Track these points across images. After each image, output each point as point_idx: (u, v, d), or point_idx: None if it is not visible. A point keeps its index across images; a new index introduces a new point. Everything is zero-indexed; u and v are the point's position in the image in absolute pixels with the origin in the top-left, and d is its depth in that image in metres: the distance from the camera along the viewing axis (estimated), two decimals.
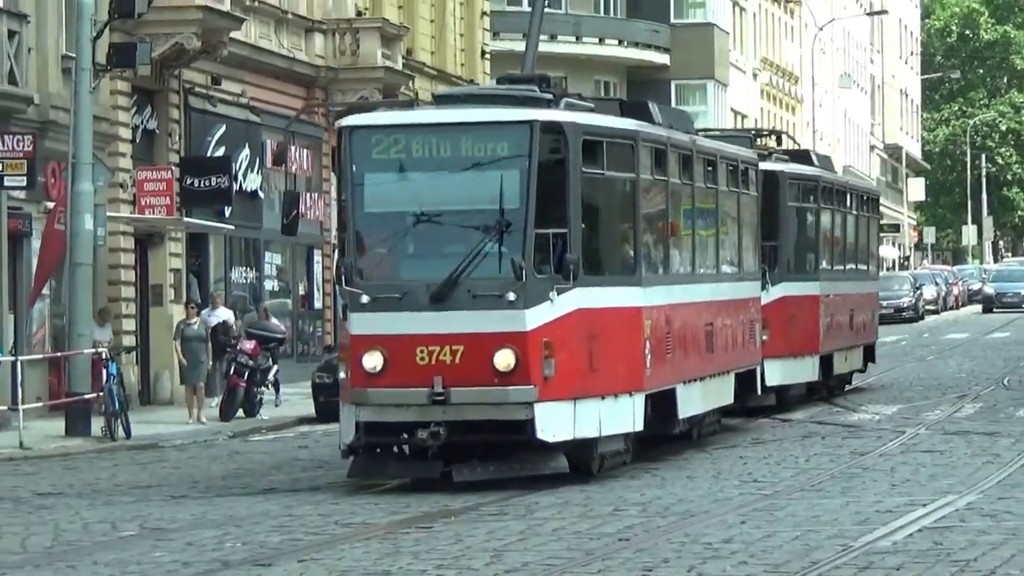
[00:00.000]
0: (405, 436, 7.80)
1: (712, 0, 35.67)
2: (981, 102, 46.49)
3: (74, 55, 14.21)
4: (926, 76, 44.59)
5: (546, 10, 15.39)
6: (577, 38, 32.94)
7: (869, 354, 16.66)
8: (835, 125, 37.46)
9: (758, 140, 15.28)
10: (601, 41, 33.61)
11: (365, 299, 7.65)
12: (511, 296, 7.46)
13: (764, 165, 12.96)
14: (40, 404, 14.28)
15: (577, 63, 31.44)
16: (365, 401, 7.67)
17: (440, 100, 10.47)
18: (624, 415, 8.45)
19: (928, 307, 32.55)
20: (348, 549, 5.48)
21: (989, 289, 33.13)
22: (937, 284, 35.47)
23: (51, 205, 15.23)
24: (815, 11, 38.38)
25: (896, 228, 40.65)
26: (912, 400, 15.02)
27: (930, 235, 45.90)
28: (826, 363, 14.19)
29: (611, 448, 8.51)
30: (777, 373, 12.87)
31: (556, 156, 7.90)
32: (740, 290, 11.64)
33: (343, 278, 7.79)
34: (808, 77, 34.49)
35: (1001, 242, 50.85)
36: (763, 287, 12.39)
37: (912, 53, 45.57)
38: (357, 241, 8.05)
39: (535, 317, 7.50)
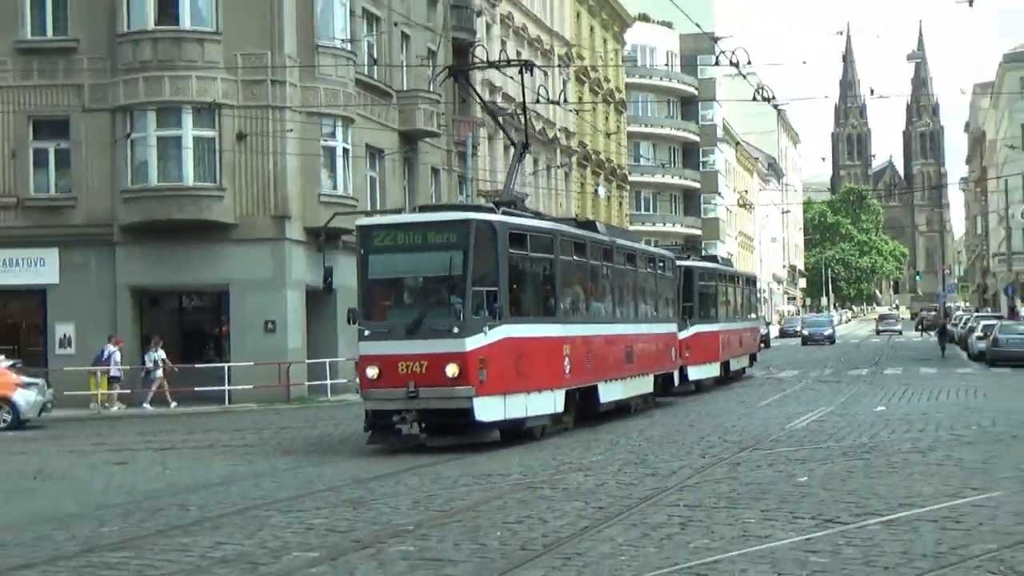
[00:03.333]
0: (394, 419, 11.48)
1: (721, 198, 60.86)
2: (829, 246, 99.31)
3: None
4: (808, 237, 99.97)
5: None
6: None
7: (752, 360, 27.16)
8: (771, 255, 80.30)
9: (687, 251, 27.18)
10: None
11: (366, 331, 11.46)
12: (455, 330, 10.92)
13: (682, 262, 20.42)
14: None
15: None
16: (369, 397, 11.53)
17: (422, 208, 14.73)
18: (547, 403, 12.41)
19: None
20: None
21: (805, 331, 50.37)
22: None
23: None
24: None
25: (794, 298, 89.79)
26: (798, 370, 28.35)
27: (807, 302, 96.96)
28: (725, 366, 22.94)
29: (538, 424, 12.37)
30: (695, 373, 20.43)
31: (491, 241, 11.33)
32: (658, 328, 17.34)
33: (356, 320, 11.63)
34: (758, 240, 75.86)
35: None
36: (683, 328, 19.24)
37: (799, 228, 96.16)
38: (364, 297, 11.89)
39: (471, 343, 10.94)
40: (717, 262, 25.40)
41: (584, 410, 13.85)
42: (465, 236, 11.18)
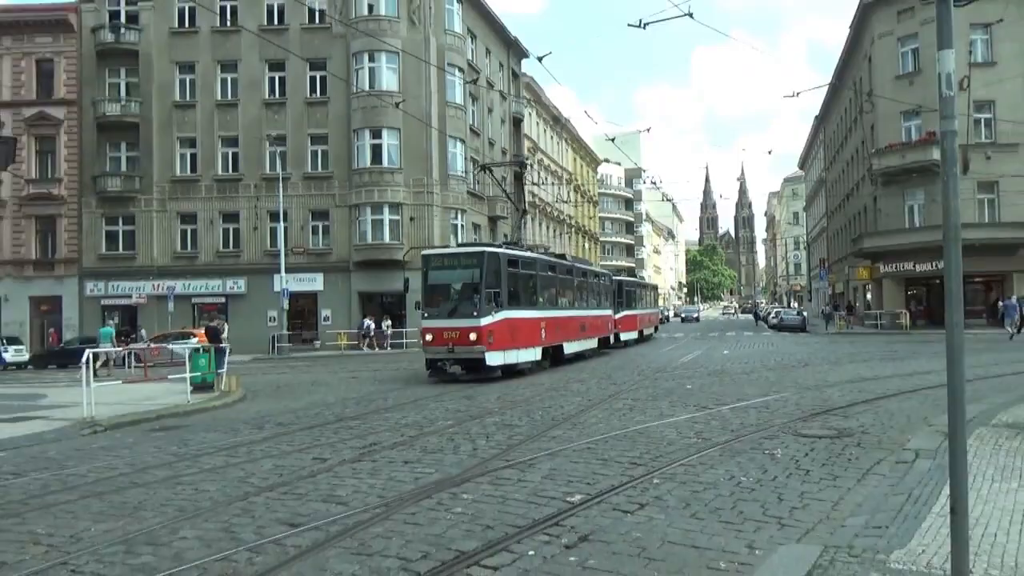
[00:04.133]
0: (440, 364, 18.60)
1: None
2: (698, 272, 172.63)
3: None
4: (688, 267, 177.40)
5: None
6: None
7: (656, 329, 45.45)
8: (670, 277, 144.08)
9: (623, 273, 51.77)
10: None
11: (425, 314, 18.36)
12: (475, 313, 17.64)
13: (617, 277, 35.41)
14: None
15: None
16: (427, 352, 18.65)
17: (460, 245, 25.64)
18: (532, 355, 19.88)
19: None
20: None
21: (682, 314, 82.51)
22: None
23: None
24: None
25: (681, 297, 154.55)
26: (681, 333, 44.78)
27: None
28: (641, 332, 37.73)
29: (526, 367, 19.59)
30: (624, 336, 33.65)
31: (495, 264, 18.16)
32: (601, 312, 28.42)
33: (419, 307, 18.70)
34: (665, 269, 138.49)
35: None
36: (617, 311, 32.16)
37: (683, 263, 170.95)
38: (425, 294, 18.72)
39: (484, 321, 17.59)
40: (635, 277, 43.81)
41: (556, 358, 22.06)
42: (480, 260, 17.91)
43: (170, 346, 25.88)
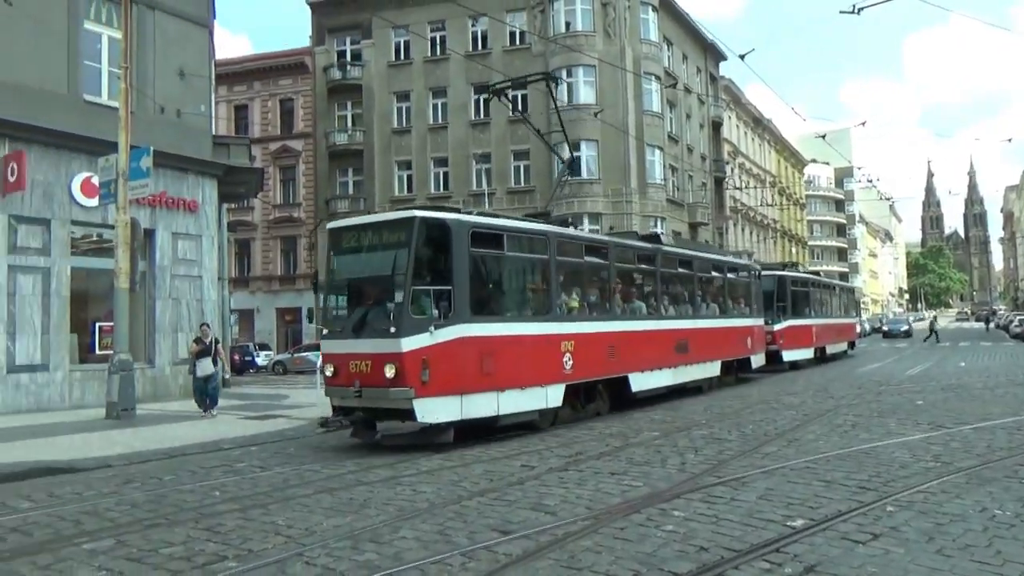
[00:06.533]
0: (354, 414, 10.93)
1: None
2: (920, 277, 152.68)
3: None
4: (909, 272, 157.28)
5: None
6: None
7: (851, 346, 36.41)
8: (887, 283, 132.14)
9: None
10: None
11: (325, 332, 10.92)
12: (392, 330, 9.88)
13: (774, 272, 26.39)
14: None
15: None
16: (330, 395, 11.01)
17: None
18: (535, 398, 11.60)
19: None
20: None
21: (885, 328, 61.76)
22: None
23: None
24: None
25: (901, 305, 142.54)
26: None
27: None
28: (821, 350, 29.50)
29: (526, 418, 11.48)
30: (789, 355, 25.45)
31: (440, 240, 10.34)
32: (731, 323, 19.36)
33: (313, 319, 12.04)
34: (882, 274, 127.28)
35: None
36: (775, 321, 24.26)
37: (903, 267, 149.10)
38: (327, 296, 11.48)
39: (410, 344, 9.84)
40: (810, 274, 31.65)
41: (620, 397, 14.11)
42: (408, 234, 10.18)
43: None
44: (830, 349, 30.41)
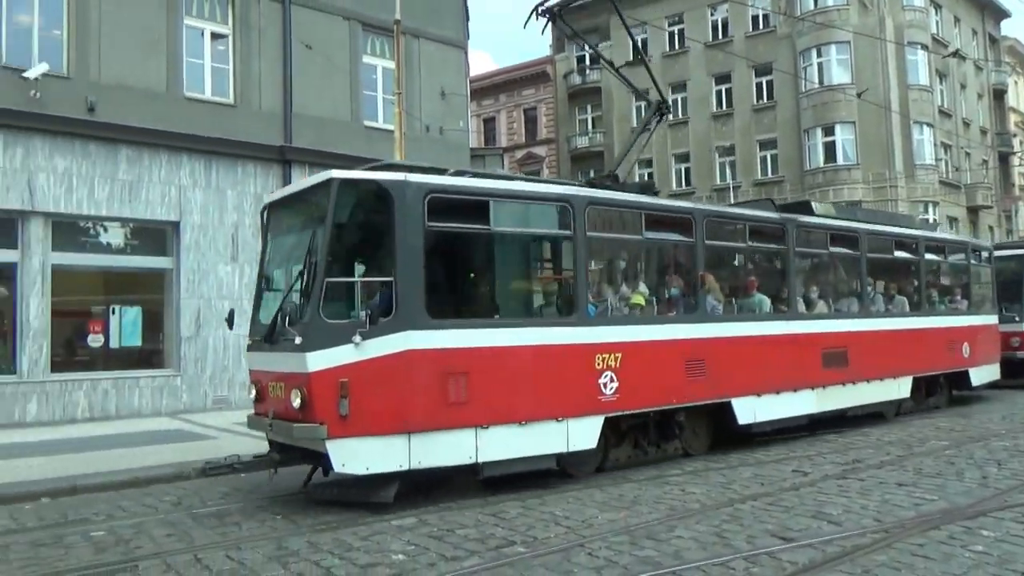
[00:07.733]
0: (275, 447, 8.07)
1: None
2: None
3: None
4: None
5: None
6: None
7: None
8: None
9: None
10: None
11: (247, 342, 8.32)
12: (298, 340, 7.09)
13: (1009, 251, 18.86)
14: None
15: None
16: (250, 425, 8.25)
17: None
18: (551, 438, 8.10)
19: None
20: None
21: None
22: None
23: None
24: None
25: None
26: None
27: None
28: None
29: (536, 466, 8.06)
30: None
31: (372, 212, 7.41)
32: (929, 322, 14.00)
33: (232, 324, 8.61)
34: None
35: None
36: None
37: None
38: (257, 291, 8.60)
39: (319, 361, 6.95)
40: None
41: (720, 427, 10.25)
42: (323, 205, 7.23)
43: None
44: None
